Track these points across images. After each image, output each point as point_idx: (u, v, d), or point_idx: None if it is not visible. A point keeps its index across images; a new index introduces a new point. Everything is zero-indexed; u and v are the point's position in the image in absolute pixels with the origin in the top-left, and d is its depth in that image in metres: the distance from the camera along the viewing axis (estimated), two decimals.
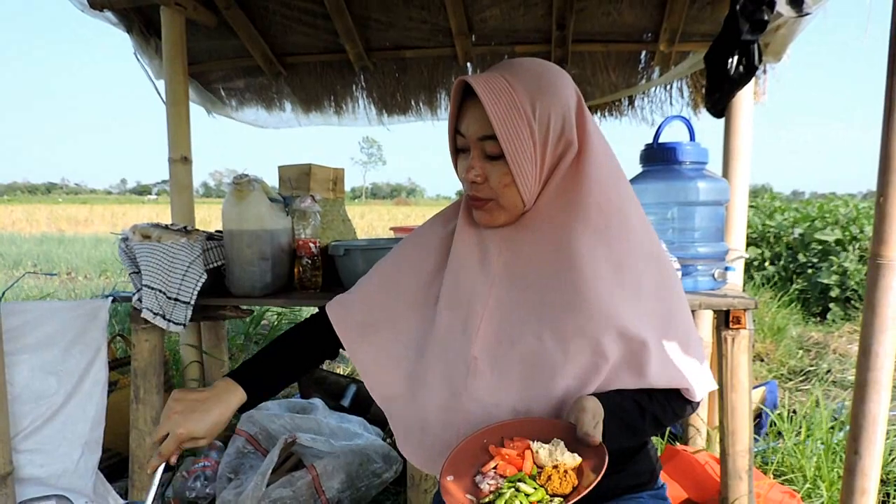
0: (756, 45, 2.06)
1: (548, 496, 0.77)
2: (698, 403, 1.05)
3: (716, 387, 1.07)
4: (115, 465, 2.45)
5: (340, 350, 1.16)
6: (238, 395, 1.02)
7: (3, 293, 1.90)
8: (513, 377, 0.96)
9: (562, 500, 0.76)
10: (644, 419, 0.96)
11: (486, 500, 0.78)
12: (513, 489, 0.78)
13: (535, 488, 0.78)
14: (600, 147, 1.00)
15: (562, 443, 0.83)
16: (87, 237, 14.26)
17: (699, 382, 1.02)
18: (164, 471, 0.98)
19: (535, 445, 0.84)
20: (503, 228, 1.02)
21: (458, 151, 1.02)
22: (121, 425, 2.35)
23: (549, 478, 0.79)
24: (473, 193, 0.99)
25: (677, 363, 0.98)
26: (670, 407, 1.01)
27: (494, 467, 0.84)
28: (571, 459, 0.81)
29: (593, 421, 0.84)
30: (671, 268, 1.04)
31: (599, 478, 0.75)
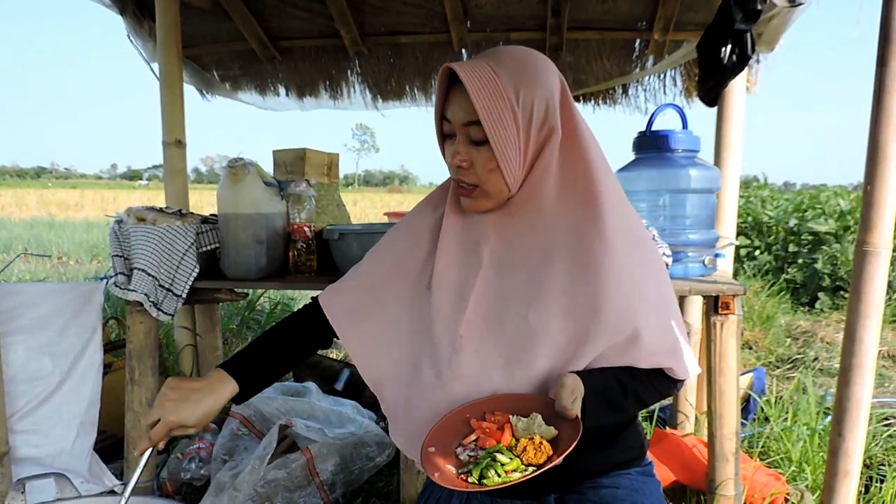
0: (749, 35, 2.07)
1: (522, 465, 0.80)
2: (682, 382, 1.08)
3: (699, 370, 1.10)
4: (109, 447, 2.46)
5: (334, 339, 1.18)
6: (230, 387, 1.04)
7: None
8: (497, 357, 0.99)
9: (535, 468, 0.79)
10: (626, 397, 0.99)
11: (464, 469, 0.82)
12: (489, 458, 0.81)
13: (510, 458, 0.81)
14: (585, 133, 1.02)
15: (539, 416, 0.86)
16: (77, 222, 14.19)
17: (682, 362, 1.04)
18: (152, 454, 1.01)
19: (514, 419, 0.87)
20: (490, 214, 1.05)
21: (444, 137, 1.04)
22: (115, 407, 2.37)
23: (524, 448, 0.82)
24: (459, 178, 1.01)
25: (662, 343, 1.01)
26: (653, 385, 1.03)
27: (475, 440, 0.87)
28: (548, 432, 0.84)
29: (571, 396, 0.87)
30: (656, 251, 1.08)
31: (572, 447, 0.78)
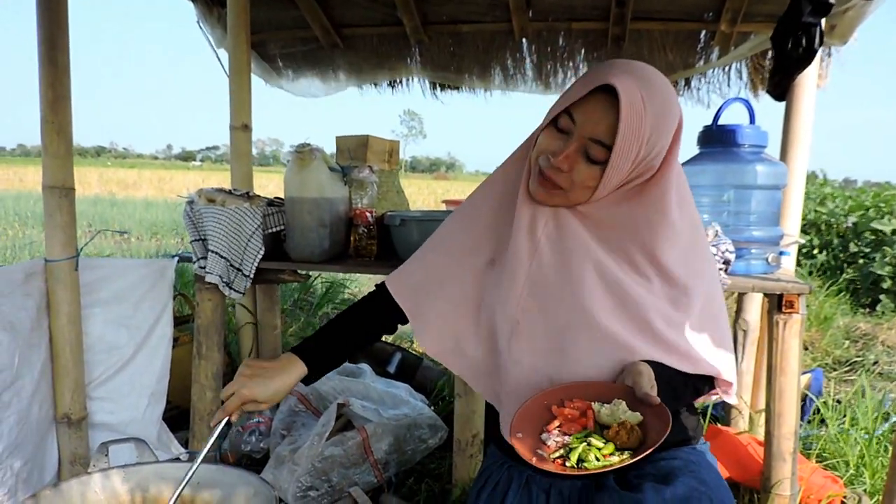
0: (818, 28, 2.02)
1: (616, 449, 0.82)
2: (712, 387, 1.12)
3: (733, 382, 1.13)
4: (174, 417, 2.59)
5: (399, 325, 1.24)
6: (299, 369, 1.12)
7: (81, 249, 2.01)
8: (550, 344, 1.02)
9: (631, 452, 0.81)
10: (686, 387, 1.04)
11: (558, 453, 0.84)
12: (584, 443, 0.83)
13: (604, 443, 0.83)
14: (676, 170, 1.04)
15: (623, 402, 0.88)
16: (137, 200, 14.70)
17: (728, 363, 1.09)
18: (224, 426, 1.08)
19: (597, 406, 0.89)
20: (559, 207, 1.08)
21: (552, 125, 1.02)
22: (180, 380, 2.49)
23: (616, 433, 0.84)
24: (549, 174, 1.02)
25: (707, 357, 1.05)
26: (700, 380, 1.08)
27: (559, 426, 0.89)
28: (634, 417, 0.86)
29: (650, 382, 0.90)
30: (714, 269, 1.11)
31: (667, 433, 0.80)
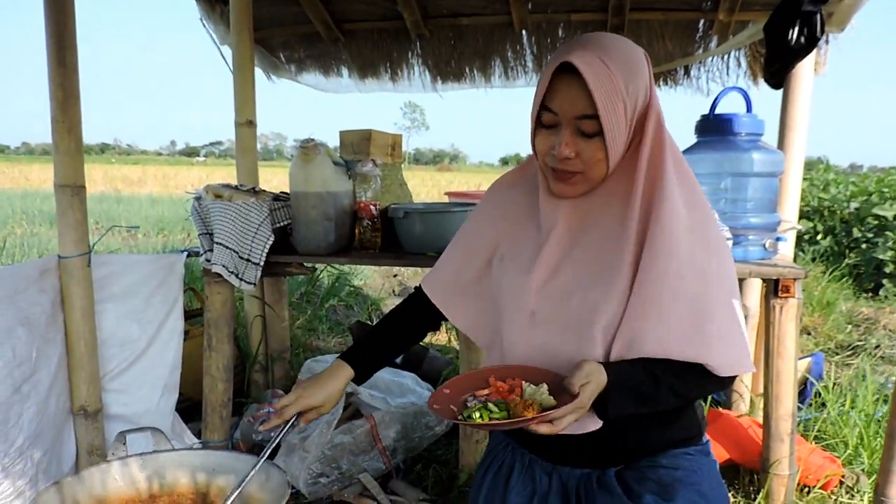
0: (818, 15, 2.05)
1: (508, 417, 0.93)
2: (730, 380, 1.07)
3: (752, 369, 1.10)
4: (186, 409, 2.64)
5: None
6: (347, 373, 1.22)
7: (93, 246, 2.06)
8: (566, 331, 1.05)
9: (508, 420, 0.92)
10: (659, 388, 1.01)
11: (467, 412, 0.96)
12: (483, 406, 0.96)
13: (501, 411, 0.95)
14: (660, 113, 1.05)
15: (546, 386, 0.96)
16: (143, 197, 14.77)
17: (727, 359, 1.03)
18: (281, 428, 1.17)
19: (525, 385, 0.98)
20: (576, 198, 1.10)
21: (540, 126, 1.05)
22: (191, 372, 2.54)
23: (516, 405, 0.94)
24: (561, 167, 1.04)
25: (706, 338, 1.01)
26: (691, 379, 1.03)
27: (487, 394, 1.00)
28: (546, 401, 0.94)
29: (584, 379, 0.93)
30: (722, 248, 1.07)
31: (550, 413, 0.89)
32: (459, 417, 0.95)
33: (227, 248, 2.12)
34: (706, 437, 1.20)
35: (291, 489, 2.04)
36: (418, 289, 1.31)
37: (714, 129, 2.01)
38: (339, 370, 1.21)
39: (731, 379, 1.08)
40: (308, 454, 2.18)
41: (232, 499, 1.19)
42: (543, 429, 0.91)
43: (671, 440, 1.14)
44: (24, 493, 1.84)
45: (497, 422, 0.92)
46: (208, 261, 2.16)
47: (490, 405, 0.96)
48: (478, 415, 0.94)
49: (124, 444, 1.44)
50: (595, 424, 1.02)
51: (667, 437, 1.13)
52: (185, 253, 2.35)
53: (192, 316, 2.82)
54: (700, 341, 1.01)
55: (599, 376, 0.95)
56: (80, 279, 2.01)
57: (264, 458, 1.15)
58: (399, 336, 1.30)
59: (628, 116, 1.00)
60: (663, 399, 1.02)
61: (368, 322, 4.23)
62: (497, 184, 1.27)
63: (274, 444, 1.15)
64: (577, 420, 0.94)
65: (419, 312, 1.30)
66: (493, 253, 1.20)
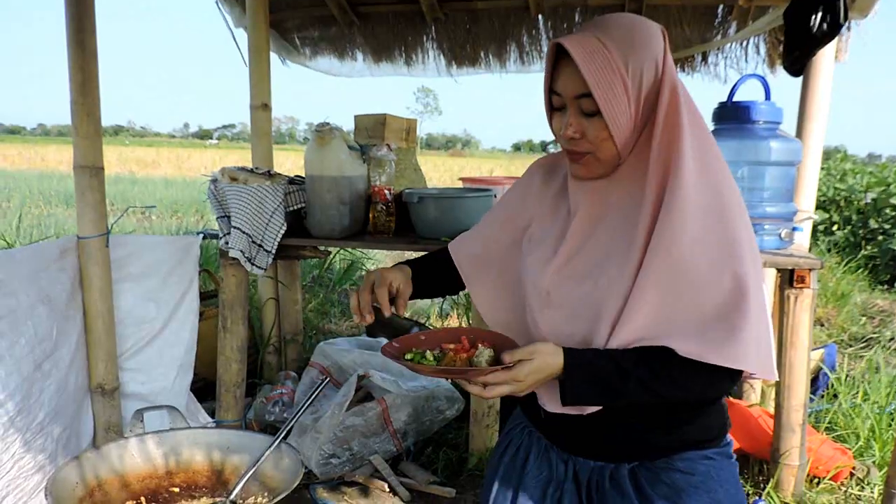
0: (842, 2, 2.02)
1: (435, 364, 1.02)
2: (732, 383, 1.02)
3: (775, 376, 1.08)
4: (200, 389, 2.68)
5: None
6: (408, 270, 1.22)
7: (111, 226, 2.08)
8: (579, 312, 1.06)
9: (441, 367, 1.00)
10: (626, 382, 0.97)
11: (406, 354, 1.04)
12: (421, 355, 1.04)
13: (433, 359, 1.02)
14: (682, 92, 1.02)
15: (489, 350, 1.01)
16: (157, 179, 14.86)
17: (735, 354, 0.95)
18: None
19: (482, 349, 1.02)
20: (598, 181, 1.09)
21: (552, 110, 1.07)
22: (205, 353, 2.57)
23: (451, 359, 1.01)
24: (572, 148, 1.05)
25: (708, 332, 0.96)
26: (682, 377, 0.97)
27: (450, 348, 1.06)
28: (481, 364, 0.98)
29: (525, 354, 0.95)
30: (749, 235, 1.01)
31: (474, 372, 0.95)
32: (402, 360, 1.02)
33: (243, 232, 2.13)
34: (729, 437, 1.15)
35: (304, 469, 2.07)
36: (445, 251, 1.30)
37: (732, 116, 1.99)
38: (403, 265, 1.23)
39: (734, 382, 1.02)
40: (320, 435, 2.21)
41: (247, 477, 1.22)
42: (473, 389, 0.95)
43: (691, 440, 1.09)
44: (44, 468, 1.88)
45: (421, 366, 0.99)
46: (227, 244, 2.18)
47: (428, 354, 1.03)
48: (409, 356, 1.02)
49: (142, 421, 1.47)
50: (577, 411, 1.03)
51: (686, 437, 1.09)
52: (201, 235, 2.37)
53: (207, 297, 2.85)
54: (703, 338, 0.96)
55: (547, 357, 0.95)
56: (98, 259, 2.04)
57: (280, 437, 1.17)
58: (447, 274, 1.29)
59: (631, 93, 0.98)
60: (632, 393, 0.98)
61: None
62: (535, 165, 1.26)
63: (292, 425, 1.17)
64: (518, 392, 0.96)
65: (449, 266, 1.29)
66: (524, 233, 1.21)
